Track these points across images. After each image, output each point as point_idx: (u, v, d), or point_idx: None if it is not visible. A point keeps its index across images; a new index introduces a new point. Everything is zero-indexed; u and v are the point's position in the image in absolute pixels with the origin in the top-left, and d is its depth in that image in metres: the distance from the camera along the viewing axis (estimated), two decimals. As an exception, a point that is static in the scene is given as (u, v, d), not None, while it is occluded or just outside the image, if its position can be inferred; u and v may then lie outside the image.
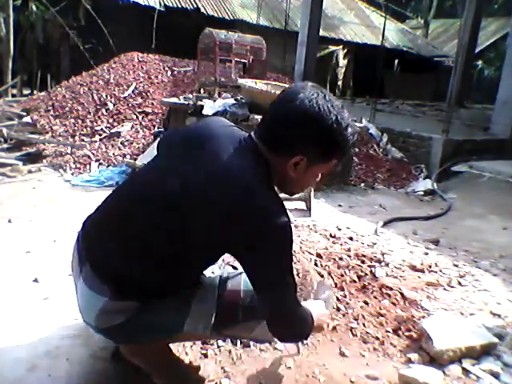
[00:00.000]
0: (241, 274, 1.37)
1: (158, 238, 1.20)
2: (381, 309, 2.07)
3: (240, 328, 1.36)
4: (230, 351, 1.70)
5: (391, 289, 2.24)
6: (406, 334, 1.91)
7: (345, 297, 2.13)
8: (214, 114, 4.41)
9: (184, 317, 1.29)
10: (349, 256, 2.51)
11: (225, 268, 1.51)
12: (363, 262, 2.52)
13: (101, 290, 1.25)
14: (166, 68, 7.05)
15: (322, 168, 1.27)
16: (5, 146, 5.13)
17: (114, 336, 1.33)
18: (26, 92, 9.70)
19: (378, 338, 1.89)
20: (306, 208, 3.73)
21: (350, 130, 1.22)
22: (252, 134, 1.26)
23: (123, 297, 1.23)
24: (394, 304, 2.14)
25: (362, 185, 5.03)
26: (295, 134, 1.18)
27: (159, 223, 1.20)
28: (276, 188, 1.26)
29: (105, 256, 1.28)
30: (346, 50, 14.03)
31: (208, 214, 1.14)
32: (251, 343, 1.72)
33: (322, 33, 10.51)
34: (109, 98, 6.29)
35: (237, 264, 1.42)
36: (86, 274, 1.30)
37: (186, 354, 1.67)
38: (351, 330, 1.91)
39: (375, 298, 2.16)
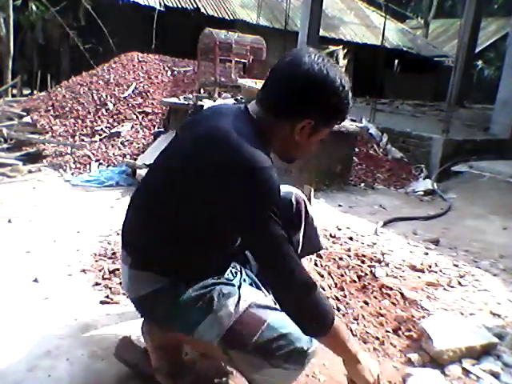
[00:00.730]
0: (274, 309, 1.26)
1: (166, 210, 1.26)
2: (381, 309, 2.07)
3: (245, 360, 1.23)
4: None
5: (391, 289, 2.24)
6: (406, 334, 1.91)
7: (345, 297, 2.13)
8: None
9: (205, 314, 1.25)
10: (349, 256, 2.51)
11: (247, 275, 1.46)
12: (363, 262, 2.52)
13: (125, 260, 1.35)
14: (166, 68, 7.05)
15: (323, 133, 1.29)
16: (5, 145, 5.14)
17: (141, 309, 1.38)
18: (26, 92, 9.71)
19: (378, 338, 1.89)
20: (305, 208, 3.72)
21: (350, 93, 1.26)
22: (249, 104, 1.28)
23: (139, 266, 1.30)
24: (393, 304, 2.14)
25: (362, 185, 5.03)
26: (304, 98, 1.19)
27: (165, 194, 1.26)
28: (276, 156, 1.29)
29: (128, 230, 1.39)
30: (346, 50, 14.02)
31: (196, 178, 1.18)
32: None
33: (322, 33, 10.51)
34: (109, 98, 6.29)
35: None
36: (121, 252, 1.41)
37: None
38: (351, 330, 1.91)
39: (375, 297, 2.16)
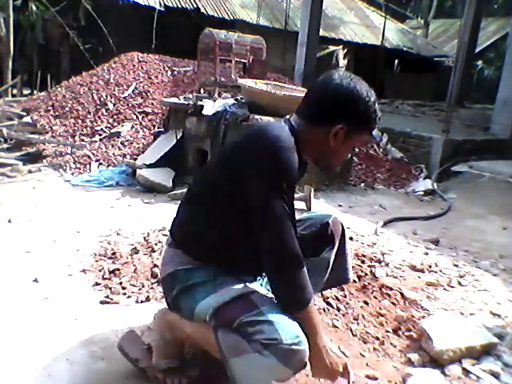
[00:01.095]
0: (272, 302, 1.33)
1: (205, 196, 1.45)
2: (381, 309, 2.07)
3: (230, 340, 1.29)
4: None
5: (391, 289, 2.25)
6: (406, 334, 1.91)
7: (345, 297, 2.13)
8: (214, 114, 4.41)
9: (208, 293, 1.38)
10: (349, 256, 2.51)
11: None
12: (363, 261, 2.52)
13: (167, 242, 1.56)
14: (166, 68, 7.05)
15: (355, 139, 1.48)
16: (5, 145, 5.14)
17: (164, 288, 1.54)
18: (26, 92, 9.71)
19: (378, 338, 1.89)
20: (305, 208, 3.73)
21: (377, 105, 1.44)
22: (291, 117, 1.47)
23: (174, 245, 1.50)
24: (393, 304, 2.14)
25: (362, 185, 5.03)
26: (335, 106, 1.39)
27: (206, 183, 1.48)
28: (313, 163, 1.50)
29: (176, 215, 1.57)
30: (346, 50, 14.03)
31: (233, 162, 1.38)
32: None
33: (322, 33, 10.51)
34: (109, 97, 6.29)
35: None
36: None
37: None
38: (351, 330, 1.91)
39: (375, 297, 2.16)
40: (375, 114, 1.43)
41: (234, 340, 1.28)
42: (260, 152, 1.31)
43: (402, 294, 2.22)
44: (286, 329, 1.24)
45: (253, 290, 1.38)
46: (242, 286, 1.38)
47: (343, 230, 1.71)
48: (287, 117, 1.48)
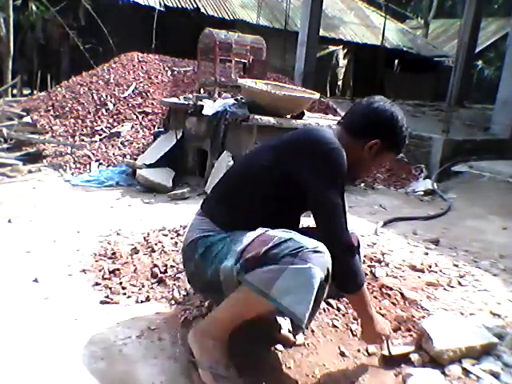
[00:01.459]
0: (288, 231, 1.47)
1: (251, 175, 1.63)
2: (381, 309, 2.07)
3: (260, 277, 1.39)
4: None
5: (391, 289, 2.24)
6: (406, 334, 1.91)
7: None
8: (214, 114, 4.42)
9: (232, 244, 1.51)
10: (349, 256, 2.51)
11: None
12: (363, 261, 2.52)
13: (196, 213, 1.71)
14: (166, 68, 7.05)
15: (386, 157, 1.74)
16: (5, 145, 5.14)
17: (185, 256, 1.65)
18: (26, 92, 9.71)
19: (377, 338, 1.88)
20: (305, 208, 3.73)
21: (408, 131, 1.71)
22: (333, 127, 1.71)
23: (204, 213, 1.66)
24: (393, 304, 2.14)
25: (362, 185, 5.03)
26: (377, 123, 1.65)
27: (255, 164, 1.64)
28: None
29: (213, 187, 1.76)
30: (346, 50, 14.03)
31: (286, 148, 1.61)
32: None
33: (322, 33, 10.51)
34: (109, 97, 6.29)
35: None
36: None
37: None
38: (351, 330, 1.91)
39: (375, 297, 2.16)
40: (405, 138, 1.69)
41: (264, 272, 1.40)
42: (322, 150, 1.51)
43: (402, 293, 2.22)
44: (306, 240, 1.42)
45: (266, 229, 1.51)
46: (254, 231, 1.51)
47: (358, 241, 1.83)
48: (332, 125, 1.75)
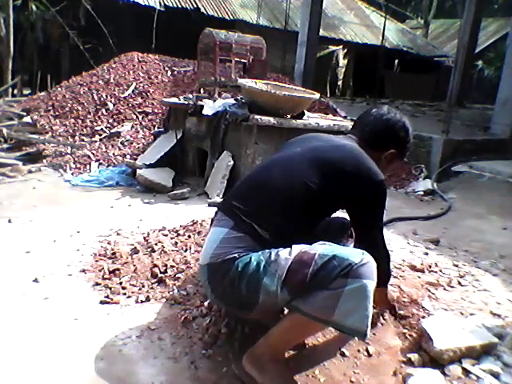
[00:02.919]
0: (323, 244, 1.49)
1: (291, 186, 1.59)
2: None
3: (313, 302, 1.39)
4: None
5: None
6: (406, 333, 1.91)
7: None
8: (214, 114, 4.41)
9: (267, 264, 1.46)
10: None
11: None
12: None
13: (225, 224, 1.58)
14: (166, 68, 7.05)
15: (396, 163, 1.93)
16: (5, 145, 5.14)
17: (214, 276, 1.54)
18: (26, 92, 9.71)
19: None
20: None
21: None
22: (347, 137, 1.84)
23: (240, 228, 1.54)
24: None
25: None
26: (393, 136, 1.85)
27: (296, 173, 1.62)
28: None
29: (233, 200, 1.64)
30: (346, 50, 14.03)
31: (335, 174, 1.61)
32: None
33: (322, 33, 10.51)
34: (109, 97, 6.29)
35: None
36: (216, 221, 1.65)
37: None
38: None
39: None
40: (411, 144, 1.92)
41: (319, 300, 1.38)
42: (374, 184, 1.62)
43: (402, 290, 2.21)
44: (349, 253, 1.43)
45: (299, 247, 1.49)
46: (288, 249, 1.49)
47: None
48: (349, 135, 1.85)
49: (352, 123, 2.00)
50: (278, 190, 1.59)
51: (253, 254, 1.49)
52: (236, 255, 1.49)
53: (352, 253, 1.43)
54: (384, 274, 1.72)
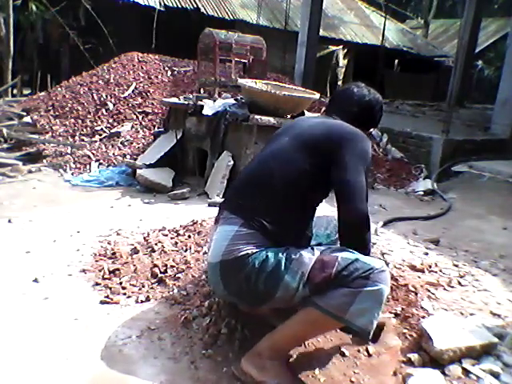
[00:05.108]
0: (343, 250, 1.54)
1: (283, 171, 1.62)
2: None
3: (333, 297, 1.45)
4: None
5: (391, 288, 2.24)
6: (406, 333, 1.91)
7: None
8: (214, 114, 4.41)
9: (288, 262, 1.50)
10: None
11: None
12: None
13: (233, 222, 1.59)
14: (166, 68, 7.05)
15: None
16: (5, 145, 5.14)
17: (228, 273, 1.56)
18: (26, 92, 9.70)
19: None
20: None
21: None
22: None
23: (250, 226, 1.56)
24: (396, 300, 2.14)
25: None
26: (374, 117, 1.88)
27: (289, 159, 1.64)
28: None
29: (238, 198, 1.67)
30: (346, 50, 14.03)
31: (321, 146, 1.64)
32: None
33: (322, 33, 10.50)
34: (109, 97, 6.29)
35: None
36: (223, 220, 1.65)
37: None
38: (351, 330, 1.91)
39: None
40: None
41: (337, 296, 1.45)
42: (355, 137, 1.63)
43: (405, 288, 2.22)
44: (370, 259, 1.51)
45: (320, 248, 1.57)
46: (309, 249, 1.56)
47: None
48: (332, 116, 1.82)
49: (336, 97, 2.00)
50: (279, 184, 1.61)
51: (268, 250, 1.53)
52: (249, 251, 1.53)
53: (374, 260, 1.52)
54: (365, 247, 1.63)
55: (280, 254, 1.52)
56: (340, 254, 1.51)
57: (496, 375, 1.65)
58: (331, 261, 1.49)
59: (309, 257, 1.52)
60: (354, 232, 1.58)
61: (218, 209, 1.76)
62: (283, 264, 1.50)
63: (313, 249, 1.56)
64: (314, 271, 1.49)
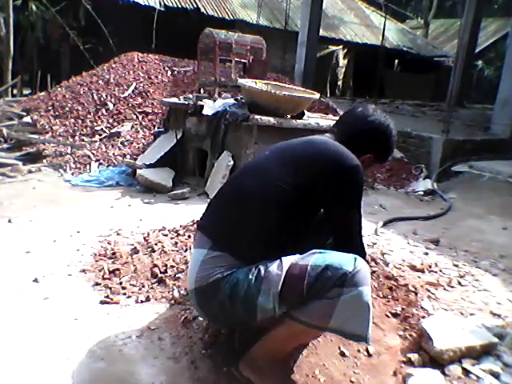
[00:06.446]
0: (313, 254, 1.43)
1: (262, 201, 1.50)
2: (386, 303, 2.07)
3: (311, 312, 1.38)
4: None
5: (391, 288, 2.24)
6: (406, 333, 1.91)
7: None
8: (214, 114, 4.41)
9: (258, 283, 1.41)
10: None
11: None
12: (367, 262, 2.52)
13: (204, 244, 1.53)
14: (166, 68, 7.05)
15: (375, 166, 1.89)
16: (5, 145, 5.14)
17: (204, 299, 1.50)
18: (26, 92, 9.70)
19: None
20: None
21: (395, 138, 1.75)
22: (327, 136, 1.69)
23: (217, 247, 1.48)
24: (396, 300, 2.14)
25: (362, 185, 5.02)
26: (371, 139, 1.68)
27: (272, 179, 1.51)
28: None
29: (209, 219, 1.62)
30: (345, 50, 14.03)
31: (305, 167, 1.51)
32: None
33: (322, 33, 10.50)
34: (109, 97, 6.29)
35: None
36: (195, 242, 1.62)
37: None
38: (351, 330, 1.90)
39: (375, 298, 2.16)
40: (393, 148, 1.76)
41: (316, 309, 1.37)
42: (346, 170, 1.50)
43: (406, 287, 2.22)
44: (341, 260, 1.39)
45: (289, 259, 1.44)
46: (278, 262, 1.44)
47: None
48: (327, 135, 1.71)
49: (341, 117, 1.86)
50: (252, 200, 1.51)
51: (238, 273, 1.44)
52: (219, 275, 1.45)
53: (344, 260, 1.39)
54: None
55: (250, 276, 1.42)
56: (310, 262, 1.40)
57: (496, 375, 1.65)
58: (301, 273, 1.38)
59: (277, 273, 1.41)
60: None
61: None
62: (253, 285, 1.41)
63: (282, 261, 1.44)
64: (285, 288, 1.39)
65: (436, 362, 1.72)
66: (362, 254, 1.50)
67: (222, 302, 1.45)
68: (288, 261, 1.43)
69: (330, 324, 1.37)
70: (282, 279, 1.39)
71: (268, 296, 1.40)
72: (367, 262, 1.49)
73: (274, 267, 1.42)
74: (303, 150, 1.59)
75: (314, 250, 1.45)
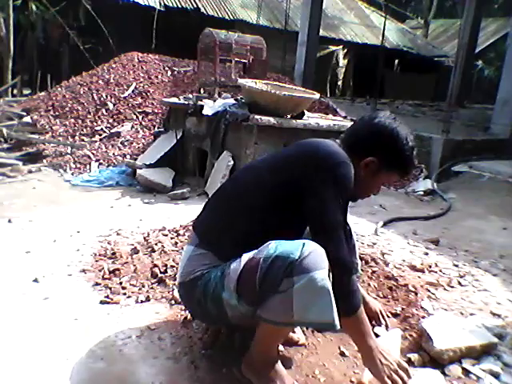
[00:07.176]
0: (269, 245, 1.38)
1: (249, 193, 1.51)
2: (385, 303, 2.07)
3: (270, 307, 1.33)
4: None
5: (391, 288, 2.24)
6: (406, 333, 1.91)
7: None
8: (214, 114, 4.42)
9: (223, 279, 1.42)
10: (349, 256, 2.50)
11: None
12: (367, 262, 2.52)
13: (193, 241, 1.57)
14: (166, 68, 7.06)
15: (385, 177, 1.62)
16: (5, 145, 5.14)
17: (187, 295, 1.55)
18: (26, 92, 9.70)
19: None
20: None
21: (414, 152, 1.59)
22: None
23: (203, 245, 1.52)
24: (396, 300, 2.14)
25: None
26: (373, 139, 1.56)
27: (254, 181, 1.52)
28: None
29: (200, 217, 1.64)
30: (345, 50, 14.03)
31: (295, 167, 1.47)
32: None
33: (322, 33, 10.51)
34: (109, 97, 6.30)
35: None
36: (188, 238, 1.62)
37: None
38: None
39: (375, 298, 2.16)
40: (410, 158, 1.58)
41: (274, 305, 1.33)
42: (326, 162, 1.42)
43: (406, 287, 2.22)
44: (289, 249, 1.33)
45: (249, 254, 1.40)
46: (238, 258, 1.42)
47: (351, 233, 1.92)
48: (332, 138, 1.62)
49: (351, 123, 1.91)
50: (235, 200, 1.53)
51: (212, 271, 1.46)
52: (199, 273, 1.47)
53: (292, 247, 1.33)
54: (343, 299, 1.38)
55: (218, 273, 1.44)
56: (263, 254, 1.35)
57: (496, 375, 1.65)
58: (254, 267, 1.35)
59: (234, 268, 1.40)
60: (332, 279, 1.36)
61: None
62: (219, 282, 1.42)
63: (241, 256, 1.41)
64: (241, 283, 1.37)
65: (436, 362, 1.71)
66: (342, 251, 1.40)
67: (199, 299, 1.48)
68: (246, 256, 1.40)
69: (294, 318, 1.32)
70: (237, 274, 1.38)
71: (230, 292, 1.40)
72: (346, 269, 1.41)
73: (234, 263, 1.42)
74: (296, 150, 1.56)
75: (271, 241, 1.39)
